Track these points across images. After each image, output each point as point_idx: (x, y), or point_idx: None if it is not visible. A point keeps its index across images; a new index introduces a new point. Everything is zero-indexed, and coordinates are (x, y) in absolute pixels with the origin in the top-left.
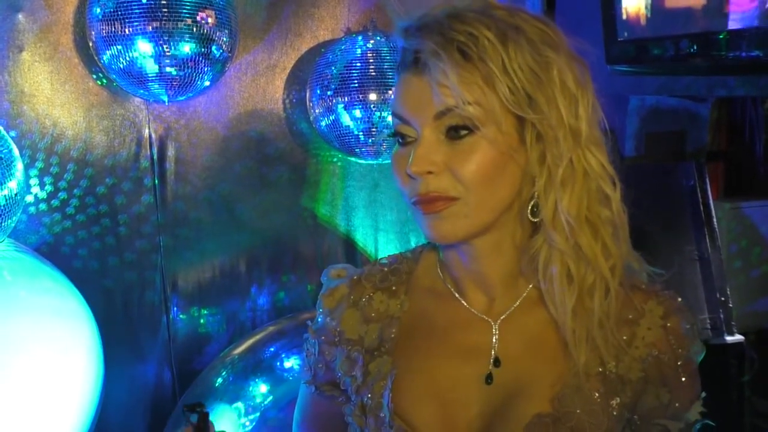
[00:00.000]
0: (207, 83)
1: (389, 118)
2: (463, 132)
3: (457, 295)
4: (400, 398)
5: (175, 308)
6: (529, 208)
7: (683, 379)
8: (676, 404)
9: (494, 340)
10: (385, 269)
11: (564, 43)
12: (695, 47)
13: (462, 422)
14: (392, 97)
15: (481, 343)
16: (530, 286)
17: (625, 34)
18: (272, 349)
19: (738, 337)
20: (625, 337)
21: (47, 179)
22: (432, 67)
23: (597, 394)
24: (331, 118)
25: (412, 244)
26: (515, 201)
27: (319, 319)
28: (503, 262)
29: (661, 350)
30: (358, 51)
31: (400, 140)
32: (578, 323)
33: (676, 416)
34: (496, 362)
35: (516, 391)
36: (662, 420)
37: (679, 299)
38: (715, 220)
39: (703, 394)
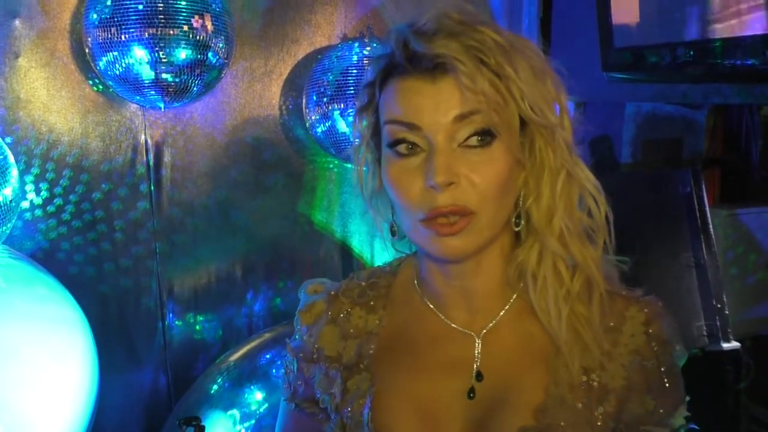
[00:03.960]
0: (203, 90)
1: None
2: (486, 139)
3: (436, 311)
4: (380, 415)
5: (170, 314)
6: (515, 217)
7: (667, 384)
8: (661, 410)
9: (477, 354)
10: (363, 284)
11: (544, 57)
12: (691, 55)
13: None
14: (385, 104)
15: (463, 357)
16: (515, 295)
17: (622, 41)
18: (268, 356)
19: (734, 344)
20: (607, 346)
21: (43, 185)
22: (460, 72)
23: (581, 405)
24: (327, 124)
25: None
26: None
27: (297, 336)
28: (490, 276)
29: (645, 357)
30: (355, 58)
31: (404, 151)
32: (570, 330)
33: (661, 422)
34: (479, 376)
35: (499, 404)
36: (648, 427)
37: (660, 304)
38: (711, 226)
39: (687, 398)
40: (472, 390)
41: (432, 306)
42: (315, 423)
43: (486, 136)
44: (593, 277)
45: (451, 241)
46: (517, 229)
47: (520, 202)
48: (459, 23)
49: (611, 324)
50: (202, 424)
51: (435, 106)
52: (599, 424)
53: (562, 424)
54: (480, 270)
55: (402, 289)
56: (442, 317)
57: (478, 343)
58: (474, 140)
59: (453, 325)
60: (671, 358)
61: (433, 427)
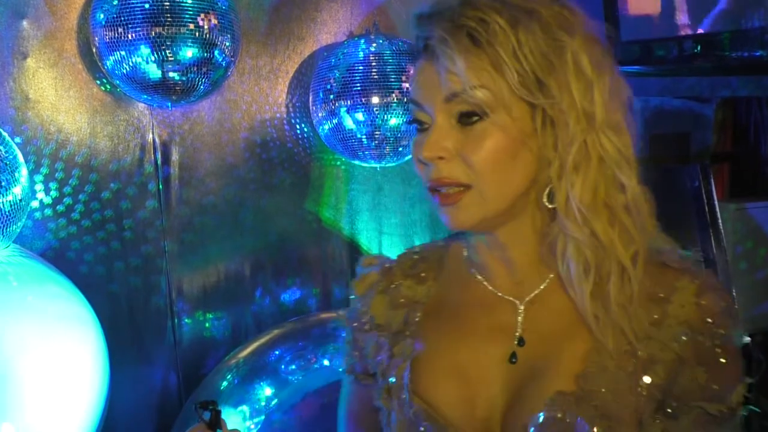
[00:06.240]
0: (210, 88)
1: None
2: (474, 118)
3: (482, 280)
4: (421, 378)
5: (180, 312)
6: (545, 194)
7: (722, 360)
8: (714, 386)
9: (519, 320)
10: (416, 257)
11: (581, 26)
12: (699, 48)
13: (483, 400)
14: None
15: (507, 323)
16: (552, 274)
17: (629, 35)
18: (277, 353)
19: (744, 339)
20: (656, 316)
21: (52, 185)
22: (440, 54)
23: (624, 373)
24: (334, 121)
25: None
26: (532, 188)
27: (351, 306)
28: (526, 250)
29: (696, 329)
30: (361, 54)
31: (418, 126)
32: (599, 308)
33: (715, 398)
34: (521, 341)
35: (540, 370)
36: (700, 402)
37: (715, 277)
38: (720, 221)
39: (748, 380)
40: (513, 355)
41: (478, 274)
42: (371, 394)
43: (474, 115)
44: (620, 259)
45: (451, 211)
46: (550, 207)
47: (550, 179)
48: (460, 5)
49: (660, 295)
50: (219, 408)
51: (430, 86)
52: (644, 394)
53: (603, 390)
54: (514, 242)
55: (453, 261)
56: (487, 285)
57: (521, 310)
58: (464, 119)
59: (497, 293)
60: (727, 332)
61: (472, 389)
